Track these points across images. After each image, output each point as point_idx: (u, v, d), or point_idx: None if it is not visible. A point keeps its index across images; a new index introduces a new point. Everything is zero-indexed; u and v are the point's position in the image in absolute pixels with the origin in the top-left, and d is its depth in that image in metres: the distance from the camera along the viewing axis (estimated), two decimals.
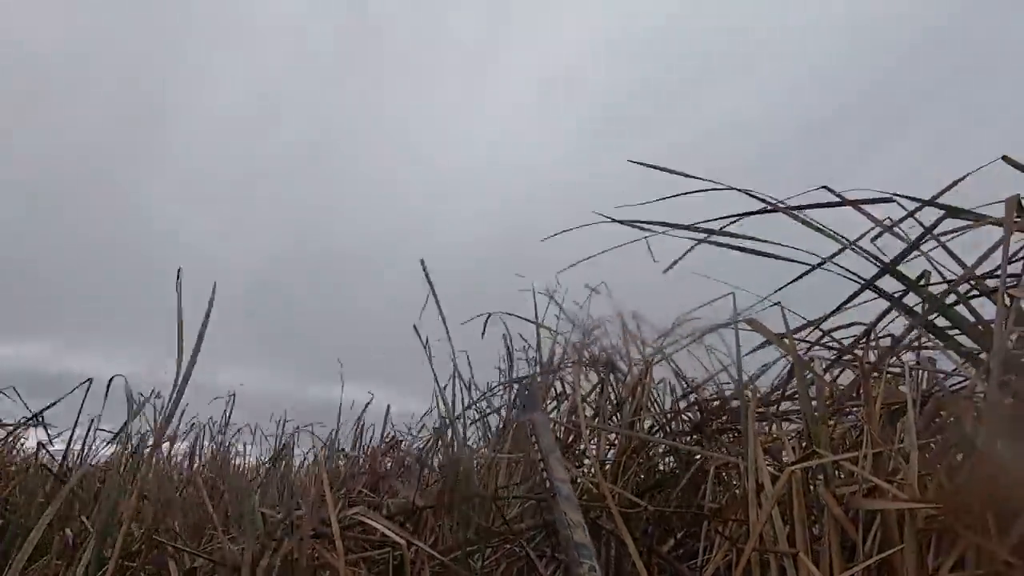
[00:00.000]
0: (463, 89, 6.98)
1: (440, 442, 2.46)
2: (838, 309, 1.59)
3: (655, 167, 1.64)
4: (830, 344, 1.71)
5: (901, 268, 1.50)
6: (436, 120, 7.03)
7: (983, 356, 1.35)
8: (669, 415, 2.11)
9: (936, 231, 1.46)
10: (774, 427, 1.81)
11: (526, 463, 2.07)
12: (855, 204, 1.51)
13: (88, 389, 2.38)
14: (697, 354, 2.05)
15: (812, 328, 1.69)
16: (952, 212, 1.44)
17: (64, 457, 2.58)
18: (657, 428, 2.09)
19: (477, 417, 2.34)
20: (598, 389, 2.20)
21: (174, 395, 1.91)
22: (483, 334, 2.29)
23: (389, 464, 2.73)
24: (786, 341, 1.62)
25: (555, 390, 2.34)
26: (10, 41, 6.17)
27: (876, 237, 1.49)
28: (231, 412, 3.24)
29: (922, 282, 1.50)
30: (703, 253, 1.67)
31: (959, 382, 1.51)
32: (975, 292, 1.44)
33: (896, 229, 1.49)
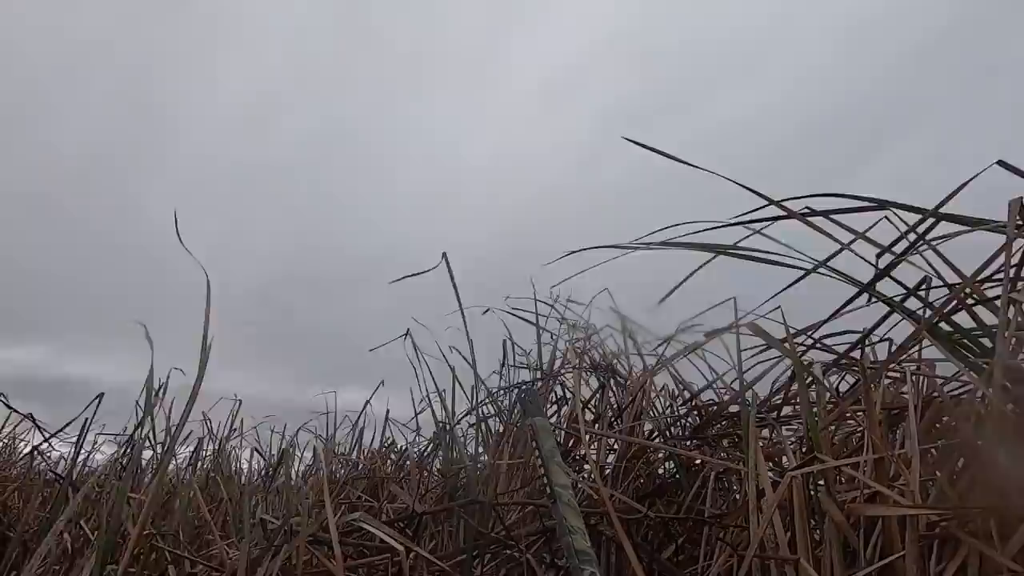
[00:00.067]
0: (463, 90, 6.98)
1: (439, 446, 2.45)
2: (836, 313, 1.59)
3: (652, 148, 1.62)
4: (830, 348, 1.71)
5: (901, 271, 1.49)
6: (436, 121, 7.02)
7: (984, 361, 1.35)
8: (669, 420, 2.10)
9: (933, 236, 1.45)
10: (774, 432, 1.80)
11: (526, 468, 2.06)
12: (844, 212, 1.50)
13: (98, 405, 2.37)
14: (697, 359, 2.04)
15: (812, 332, 1.69)
16: (948, 218, 1.44)
17: (73, 464, 2.58)
18: (657, 433, 2.08)
19: (475, 421, 2.34)
20: (598, 394, 2.20)
21: (189, 402, 1.92)
22: (473, 334, 2.28)
23: (389, 468, 2.73)
24: (786, 345, 1.61)
25: (555, 395, 2.34)
26: (9, 40, 6.18)
27: (880, 253, 1.49)
28: (235, 417, 3.23)
29: (923, 288, 1.50)
30: (703, 256, 1.66)
31: (959, 387, 1.50)
32: (973, 298, 1.43)
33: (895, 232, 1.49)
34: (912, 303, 1.52)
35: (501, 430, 2.25)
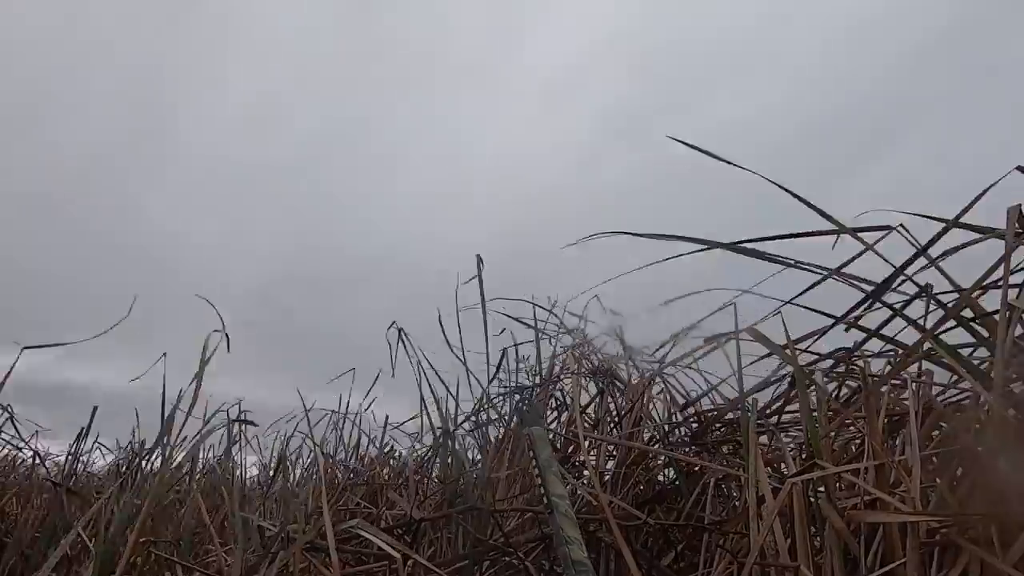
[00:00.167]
0: (463, 90, 6.97)
1: (438, 453, 2.44)
2: (840, 319, 1.57)
3: (697, 148, 1.61)
4: (831, 354, 1.70)
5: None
6: (436, 121, 7.01)
7: (986, 368, 1.34)
8: (669, 426, 2.09)
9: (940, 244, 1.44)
10: (774, 438, 1.79)
11: (524, 475, 2.05)
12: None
13: (95, 412, 2.37)
14: (697, 365, 2.03)
15: (816, 339, 1.67)
16: (956, 225, 1.42)
17: (74, 471, 2.58)
18: (657, 440, 2.07)
19: (472, 428, 2.33)
20: (597, 400, 2.18)
21: (190, 408, 1.93)
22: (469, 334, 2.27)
23: (387, 475, 2.72)
24: (787, 352, 1.60)
25: (554, 400, 2.32)
26: (10, 41, 6.17)
27: (895, 272, 1.47)
28: (236, 422, 3.21)
29: (923, 295, 1.49)
30: (705, 257, 1.65)
31: (959, 393, 1.49)
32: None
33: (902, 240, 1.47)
34: (913, 309, 1.52)
35: (500, 436, 2.24)
